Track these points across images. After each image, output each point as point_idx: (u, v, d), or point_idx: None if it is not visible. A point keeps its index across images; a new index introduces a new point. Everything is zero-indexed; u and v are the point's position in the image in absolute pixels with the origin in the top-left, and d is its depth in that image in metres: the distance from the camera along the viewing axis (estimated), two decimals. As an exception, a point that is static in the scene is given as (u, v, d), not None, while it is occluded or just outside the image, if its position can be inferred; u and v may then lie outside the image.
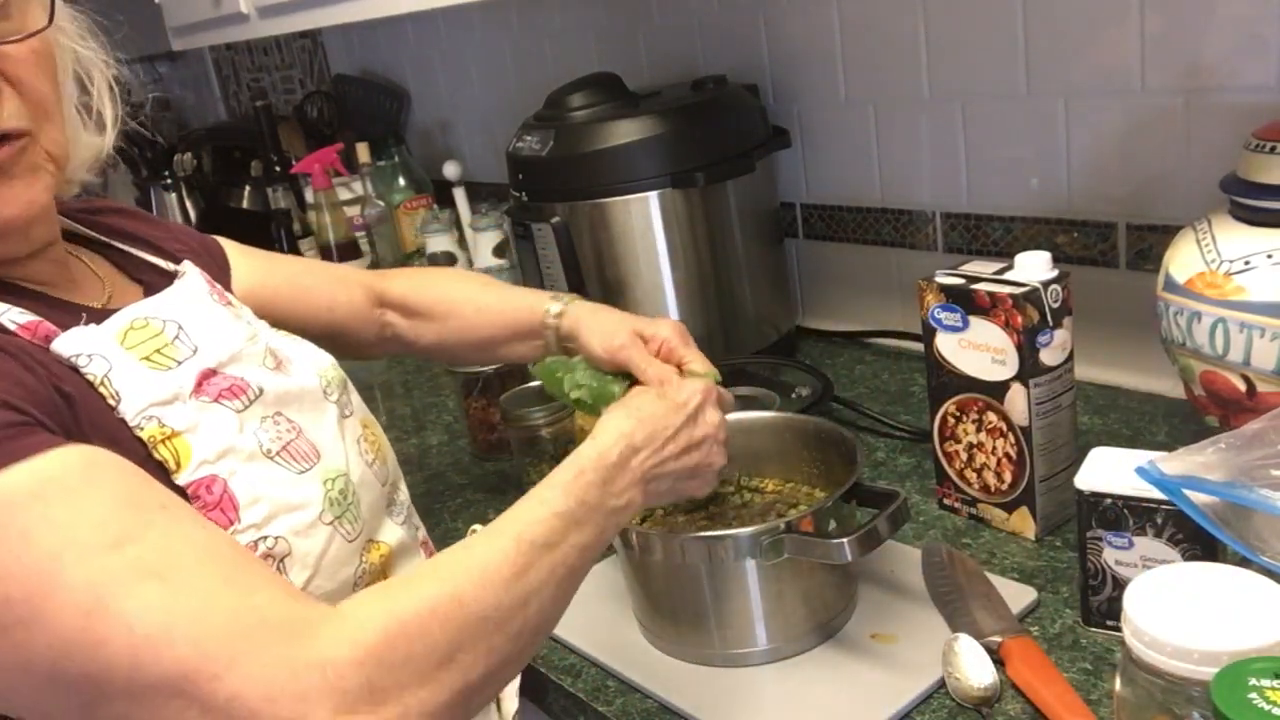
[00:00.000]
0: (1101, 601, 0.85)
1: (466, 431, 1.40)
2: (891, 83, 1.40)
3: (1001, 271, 0.98)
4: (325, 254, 2.09)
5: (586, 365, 0.98)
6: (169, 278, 0.85)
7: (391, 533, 0.85)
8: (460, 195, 1.95)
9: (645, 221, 1.39)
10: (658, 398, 0.86)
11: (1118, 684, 0.63)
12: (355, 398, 0.90)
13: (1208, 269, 0.94)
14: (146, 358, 0.72)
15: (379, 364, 1.89)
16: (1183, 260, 0.97)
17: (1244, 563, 0.69)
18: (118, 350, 0.71)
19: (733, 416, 0.97)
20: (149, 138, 2.39)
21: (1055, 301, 0.95)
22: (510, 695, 0.93)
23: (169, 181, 2.43)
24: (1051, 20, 1.22)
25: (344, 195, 2.16)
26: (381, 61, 2.44)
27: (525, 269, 1.52)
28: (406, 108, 2.40)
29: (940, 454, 1.06)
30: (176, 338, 0.75)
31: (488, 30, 2.09)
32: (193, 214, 2.43)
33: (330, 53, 2.60)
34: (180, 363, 0.74)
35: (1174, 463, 0.76)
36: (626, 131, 1.36)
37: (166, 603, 0.57)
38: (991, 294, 0.95)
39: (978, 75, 1.31)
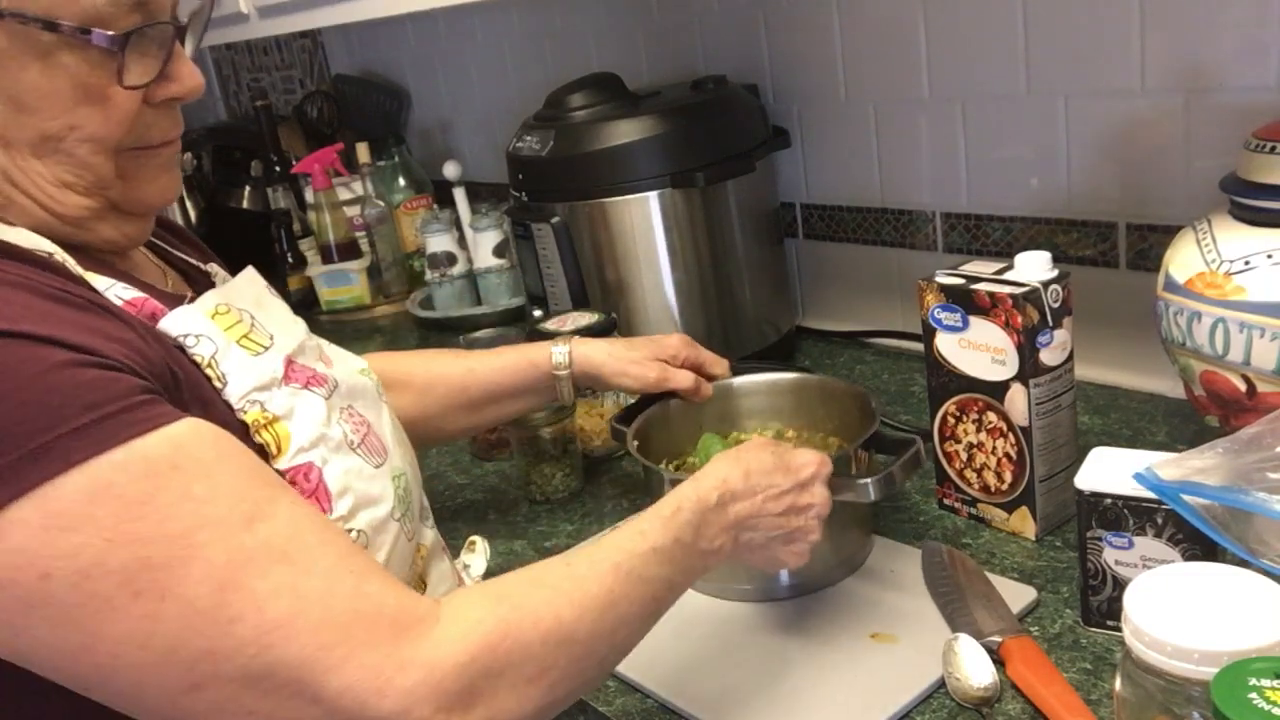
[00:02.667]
0: (1101, 601, 0.85)
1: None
2: (891, 83, 1.40)
3: (1001, 271, 0.98)
4: (325, 254, 2.09)
5: (717, 438, 1.05)
6: (205, 275, 0.85)
7: (426, 535, 0.86)
8: (460, 195, 1.95)
9: (645, 221, 1.39)
10: (771, 453, 0.84)
11: (1118, 684, 0.63)
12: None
13: (1208, 269, 0.94)
14: (239, 342, 0.72)
15: (379, 364, 1.89)
16: (1183, 260, 0.97)
17: (1244, 564, 0.69)
18: (217, 332, 0.70)
19: (755, 376, 1.13)
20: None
21: (1055, 301, 0.95)
22: (478, 564, 0.99)
23: (169, 181, 2.42)
24: (1051, 20, 1.22)
25: (344, 195, 2.16)
26: (381, 61, 2.44)
27: (525, 269, 1.52)
28: (406, 108, 2.40)
29: (940, 454, 1.06)
30: (253, 325, 0.75)
31: (488, 30, 2.09)
32: (193, 214, 2.43)
33: (330, 53, 2.60)
34: (266, 349, 0.73)
35: (1171, 468, 0.76)
36: (626, 131, 1.36)
37: (295, 586, 0.58)
38: (991, 294, 0.95)
39: (978, 75, 1.31)
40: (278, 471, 0.68)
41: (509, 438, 1.26)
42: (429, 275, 1.95)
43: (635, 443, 1.02)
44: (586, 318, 1.30)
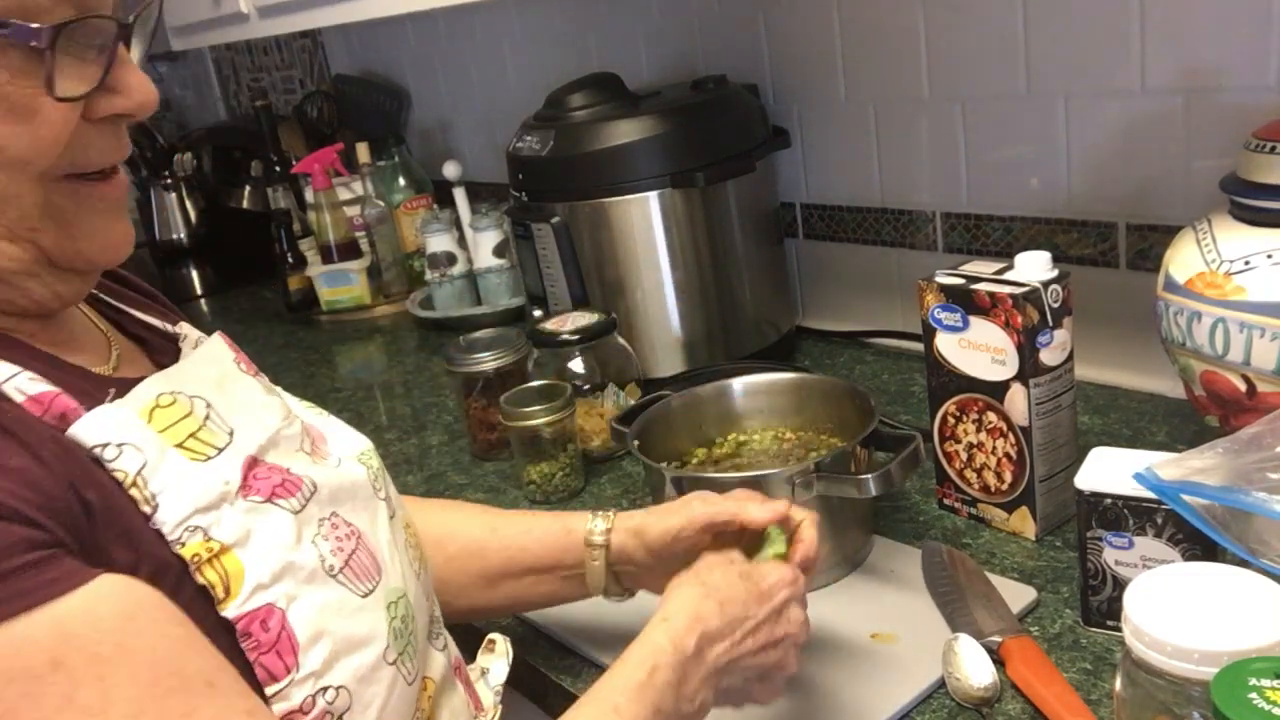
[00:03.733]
0: (1101, 601, 0.85)
1: (466, 431, 1.40)
2: (891, 83, 1.40)
3: (1001, 271, 0.98)
4: (325, 254, 2.10)
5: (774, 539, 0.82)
6: (171, 340, 0.70)
7: (436, 663, 0.72)
8: (460, 195, 1.95)
9: (645, 221, 1.39)
10: (738, 577, 0.72)
11: (1118, 684, 0.63)
12: (393, 487, 0.75)
13: (1208, 269, 0.94)
14: (181, 445, 0.57)
15: (379, 364, 1.89)
16: (1183, 260, 0.97)
17: (1244, 564, 0.69)
18: (150, 437, 0.56)
19: (755, 376, 1.10)
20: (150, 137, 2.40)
21: (1055, 301, 0.95)
22: (499, 668, 0.84)
23: (169, 181, 2.43)
24: (1051, 20, 1.22)
25: (344, 195, 2.16)
26: (381, 61, 2.44)
27: (525, 269, 1.52)
28: (406, 108, 2.40)
29: (940, 454, 1.06)
30: (208, 418, 0.60)
31: (488, 30, 2.09)
32: (193, 214, 2.43)
33: (330, 53, 2.60)
34: (220, 450, 0.59)
35: (1171, 468, 0.76)
36: (626, 131, 1.36)
37: None
38: (991, 294, 0.95)
39: (978, 75, 1.31)
40: (224, 620, 0.55)
41: (509, 438, 1.26)
42: (429, 275, 1.95)
43: (636, 442, 1.03)
44: (586, 318, 1.30)
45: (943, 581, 0.93)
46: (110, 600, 0.47)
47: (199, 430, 0.58)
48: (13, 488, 0.46)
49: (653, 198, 1.38)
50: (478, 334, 1.40)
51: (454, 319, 1.88)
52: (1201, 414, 1.02)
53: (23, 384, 0.53)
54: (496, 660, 0.84)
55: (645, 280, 1.41)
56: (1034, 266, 0.95)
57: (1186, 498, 0.74)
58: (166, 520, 0.54)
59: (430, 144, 2.36)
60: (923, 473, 1.09)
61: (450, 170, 1.94)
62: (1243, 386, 0.93)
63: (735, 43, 1.58)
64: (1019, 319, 0.94)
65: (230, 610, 0.55)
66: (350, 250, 2.09)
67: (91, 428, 0.54)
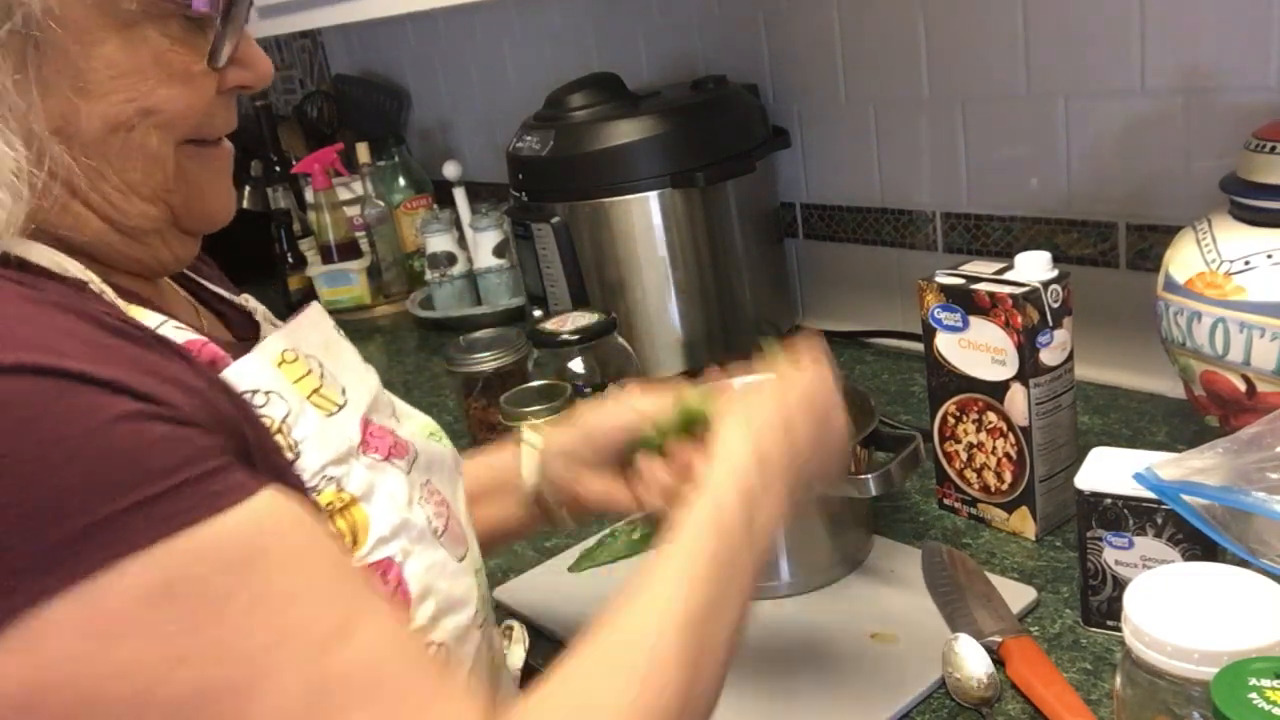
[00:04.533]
0: (1101, 601, 0.85)
1: (466, 431, 1.40)
2: (891, 83, 1.40)
3: (1001, 271, 0.98)
4: (325, 254, 2.09)
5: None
6: (241, 311, 0.72)
7: (496, 639, 0.74)
8: (460, 195, 1.95)
9: (645, 221, 1.39)
10: (771, 399, 0.69)
11: (1118, 684, 0.63)
12: None
13: (1208, 269, 0.94)
14: (311, 399, 0.58)
15: (379, 364, 1.89)
16: (1183, 260, 0.97)
17: (1244, 564, 0.69)
18: (289, 388, 0.57)
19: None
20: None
21: (1055, 301, 0.95)
22: (516, 654, 0.84)
23: (169, 181, 2.43)
24: (1051, 20, 1.22)
25: (344, 195, 2.16)
26: (381, 61, 2.44)
27: (525, 269, 1.52)
28: (406, 108, 2.40)
29: (940, 454, 1.06)
30: (323, 376, 0.61)
31: (488, 30, 2.09)
32: (193, 214, 2.43)
33: (330, 53, 2.60)
34: (340, 407, 0.60)
35: (1171, 468, 0.76)
36: (626, 131, 1.36)
37: None
38: (991, 294, 0.95)
39: (978, 75, 1.31)
40: None
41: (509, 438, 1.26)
42: (429, 275, 1.95)
43: None
44: (586, 318, 1.30)
45: (943, 581, 0.93)
46: (287, 504, 0.50)
47: (320, 387, 0.60)
48: (197, 404, 0.49)
49: (653, 198, 1.38)
50: (478, 334, 1.40)
51: (454, 319, 1.88)
52: (1201, 414, 1.02)
53: (170, 331, 0.55)
54: (514, 648, 0.85)
55: (645, 280, 1.41)
56: (1034, 266, 0.95)
57: (1186, 498, 0.74)
58: (306, 468, 0.56)
59: (430, 144, 2.36)
60: (923, 473, 1.09)
61: (450, 170, 1.94)
62: (1243, 386, 0.93)
63: (735, 43, 1.58)
64: (1019, 319, 0.94)
65: (355, 559, 0.56)
66: (350, 250, 2.09)
67: (241, 374, 0.55)
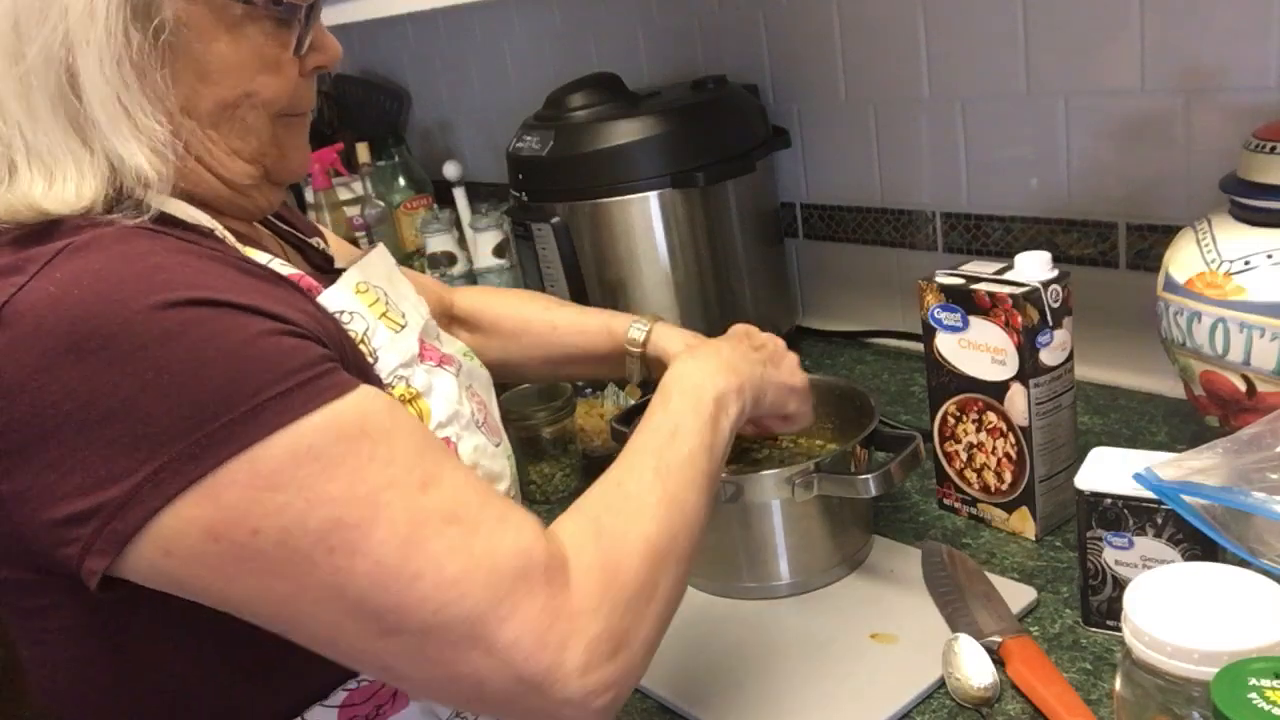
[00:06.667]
0: (1101, 601, 0.85)
1: (466, 431, 1.40)
2: (891, 83, 1.40)
3: (1001, 271, 0.98)
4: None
5: None
6: (316, 250, 0.87)
7: None
8: (460, 195, 1.95)
9: (645, 221, 1.39)
10: (712, 343, 0.91)
11: (1118, 684, 0.63)
12: None
13: (1208, 269, 0.94)
14: (381, 319, 0.75)
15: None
16: (1183, 260, 0.97)
17: (1244, 564, 0.69)
18: (365, 309, 0.74)
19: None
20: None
21: (1055, 301, 0.95)
22: None
23: (169, 181, 2.42)
24: (1051, 20, 1.22)
25: (344, 195, 2.16)
26: (381, 61, 2.44)
27: (525, 269, 1.52)
28: (406, 108, 2.40)
29: (940, 454, 1.06)
30: (388, 303, 0.77)
31: (488, 30, 2.09)
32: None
33: (330, 53, 2.60)
34: (403, 327, 0.76)
35: (1171, 468, 0.76)
36: (626, 131, 1.36)
37: (466, 545, 0.60)
38: (991, 294, 0.95)
39: (978, 75, 1.31)
40: None
41: (509, 437, 1.26)
42: (429, 275, 1.95)
43: None
44: (586, 318, 1.30)
45: (943, 581, 0.93)
46: (378, 395, 0.63)
47: (387, 311, 0.76)
48: (310, 323, 0.63)
49: (653, 198, 1.38)
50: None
51: (454, 319, 1.88)
52: (1201, 414, 1.02)
53: (278, 267, 0.69)
54: None
55: (645, 280, 1.41)
56: (1034, 266, 0.95)
57: (1186, 498, 0.74)
58: (383, 369, 0.72)
59: (430, 144, 2.36)
60: (923, 473, 1.09)
61: (450, 170, 1.94)
62: (1243, 386, 0.93)
63: (735, 43, 1.58)
64: (1019, 319, 0.94)
65: None
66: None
67: (331, 299, 0.71)
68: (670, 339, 1.03)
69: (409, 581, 0.58)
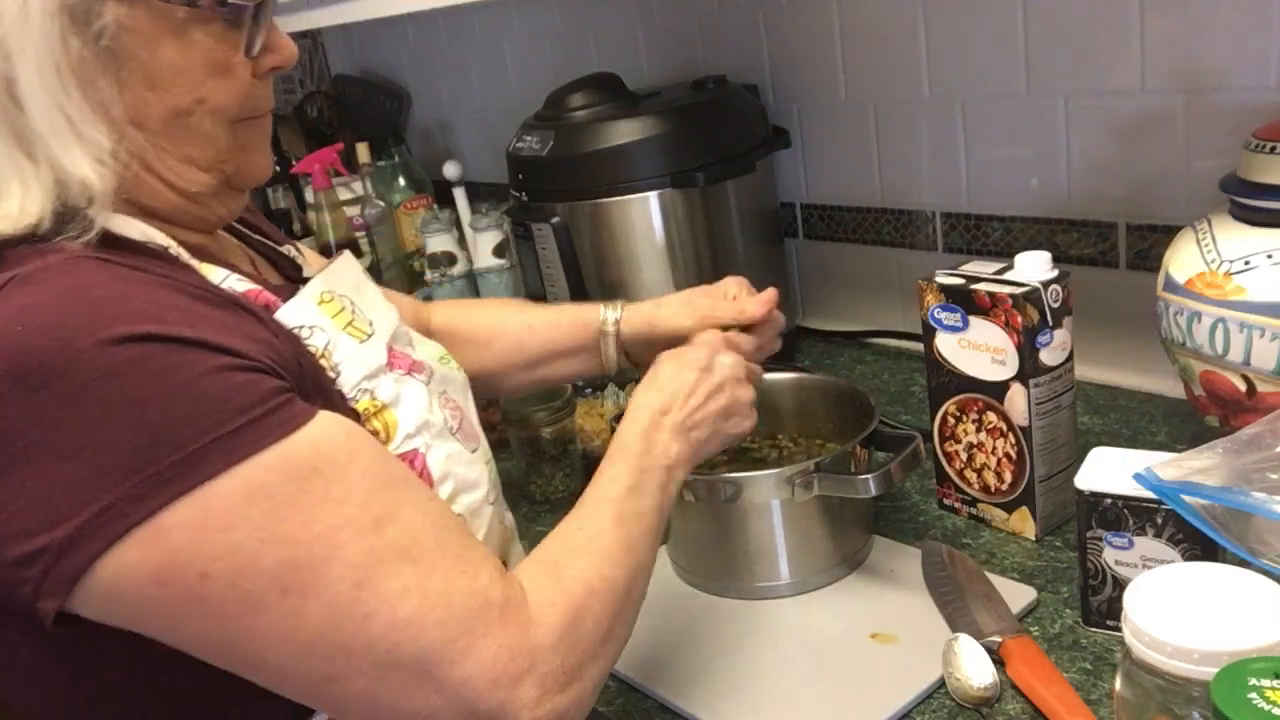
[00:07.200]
0: (1101, 601, 0.85)
1: (466, 431, 1.40)
2: (891, 83, 1.40)
3: (1001, 271, 0.98)
4: (325, 254, 2.09)
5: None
6: (286, 259, 0.86)
7: (508, 518, 0.88)
8: (460, 195, 1.95)
9: (645, 221, 1.39)
10: (672, 360, 0.88)
11: (1118, 684, 0.63)
12: None
13: (1208, 269, 0.94)
14: (346, 330, 0.73)
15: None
16: (1183, 260, 0.97)
17: (1244, 564, 0.69)
18: (327, 322, 0.72)
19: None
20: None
21: (1055, 301, 0.95)
22: None
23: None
24: (1051, 20, 1.22)
25: (344, 195, 2.15)
26: (381, 61, 2.44)
27: (525, 269, 1.52)
28: (406, 108, 2.40)
29: (940, 454, 1.06)
30: (354, 312, 0.76)
31: (488, 30, 2.09)
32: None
33: (330, 53, 2.60)
34: (369, 336, 0.75)
35: (1171, 468, 0.76)
36: (626, 131, 1.36)
37: (421, 585, 0.60)
38: (991, 294, 0.95)
39: (978, 75, 1.31)
40: None
41: (509, 438, 1.26)
42: (429, 275, 1.94)
43: None
44: (586, 318, 1.30)
45: (943, 581, 0.93)
46: (335, 425, 0.63)
47: (353, 320, 0.75)
48: (266, 351, 0.62)
49: (653, 198, 1.38)
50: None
51: (454, 319, 1.88)
52: (1201, 414, 1.02)
53: (234, 283, 0.68)
54: None
55: (645, 280, 1.41)
56: (1034, 266, 0.95)
57: (1186, 498, 0.74)
58: (346, 384, 0.70)
59: (430, 144, 2.36)
60: (923, 473, 1.09)
61: (450, 170, 1.94)
62: (1243, 386, 0.93)
63: (735, 43, 1.58)
64: (1019, 319, 0.94)
65: (389, 451, 0.70)
66: (350, 250, 2.08)
67: (290, 314, 0.70)
68: (643, 307, 1.04)
69: (361, 621, 0.59)
